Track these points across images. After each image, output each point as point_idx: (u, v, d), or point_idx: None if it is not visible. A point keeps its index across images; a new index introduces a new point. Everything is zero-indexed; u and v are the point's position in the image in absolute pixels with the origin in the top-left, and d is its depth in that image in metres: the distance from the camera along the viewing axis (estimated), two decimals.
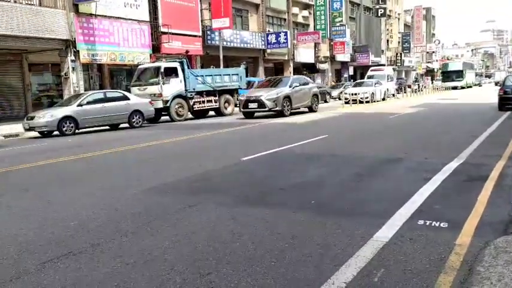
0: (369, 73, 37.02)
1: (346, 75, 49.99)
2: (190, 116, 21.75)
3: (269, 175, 6.92)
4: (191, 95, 20.90)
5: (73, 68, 22.17)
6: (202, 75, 21.84)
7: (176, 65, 20.67)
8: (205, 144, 11.55)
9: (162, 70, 19.87)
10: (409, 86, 41.47)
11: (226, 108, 22.86)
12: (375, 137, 11.46)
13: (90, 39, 22.49)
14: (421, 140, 10.49)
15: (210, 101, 21.95)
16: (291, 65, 40.21)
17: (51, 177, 7.60)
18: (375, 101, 28.73)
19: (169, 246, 3.91)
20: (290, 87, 19.98)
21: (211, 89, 21.97)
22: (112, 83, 26.54)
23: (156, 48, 25.84)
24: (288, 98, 19.60)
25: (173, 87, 20.20)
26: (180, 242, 4.01)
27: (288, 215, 4.68)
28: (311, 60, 43.04)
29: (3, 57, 22.38)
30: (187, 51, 26.65)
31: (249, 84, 29.77)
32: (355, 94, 28.37)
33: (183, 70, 20.73)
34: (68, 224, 4.73)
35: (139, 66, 21.52)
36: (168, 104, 19.93)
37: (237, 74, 23.63)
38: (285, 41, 35.63)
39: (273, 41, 36.00)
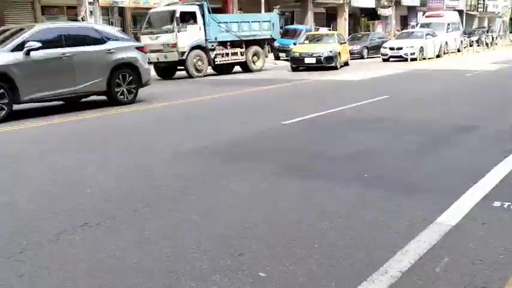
0: (423, 20, 33.96)
1: (413, 22, 48.34)
2: (210, 71, 21.28)
3: (316, 142, 6.92)
4: (212, 45, 20.47)
5: (91, 12, 22.49)
6: (226, 22, 21.08)
7: (194, 8, 19.96)
8: (237, 104, 11.59)
9: (177, 15, 19.26)
10: (477, 40, 37.28)
11: (254, 62, 22.39)
12: (447, 99, 11.20)
13: None
14: (503, 104, 10.14)
15: (235, 54, 21.46)
16: (346, 10, 39.28)
17: (58, 138, 7.85)
18: (424, 59, 25.93)
19: (197, 220, 3.99)
20: (17, 50, 10.01)
21: (237, 39, 21.41)
22: (135, 30, 26.78)
23: None
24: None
25: (191, 35, 19.70)
26: (210, 215, 4.09)
27: (335, 190, 4.67)
28: (371, 4, 41.85)
29: None
30: None
31: (295, 33, 29.30)
32: (398, 49, 25.94)
33: (202, 15, 20.07)
34: (84, 190, 4.90)
35: (151, 11, 21.06)
36: (184, 57, 19.53)
37: (269, 21, 22.89)
38: None
39: None
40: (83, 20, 22.44)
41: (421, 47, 26.13)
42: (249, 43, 21.91)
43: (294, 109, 10.04)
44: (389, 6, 44.22)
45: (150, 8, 25.36)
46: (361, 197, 4.48)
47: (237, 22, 21.65)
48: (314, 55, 21.48)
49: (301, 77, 18.06)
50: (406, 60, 25.26)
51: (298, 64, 21.82)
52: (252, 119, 9.08)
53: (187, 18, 19.73)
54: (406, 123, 8.15)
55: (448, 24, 32.25)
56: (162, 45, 19.36)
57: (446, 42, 29.65)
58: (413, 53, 25.61)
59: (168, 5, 22.10)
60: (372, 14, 43.51)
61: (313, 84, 16.02)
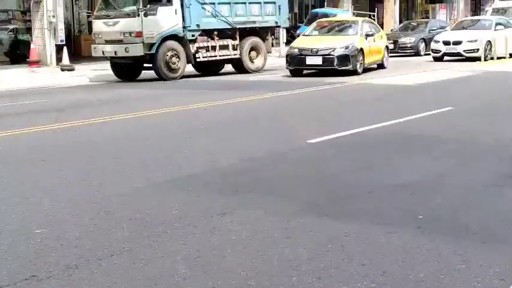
0: (496, 4, 32.83)
1: (490, 6, 48.41)
2: (191, 70, 21.00)
3: (351, 169, 6.91)
4: (193, 35, 19.90)
5: None
6: (214, 3, 20.51)
7: None
8: (244, 115, 11.63)
9: None
10: None
11: (252, 59, 21.83)
12: None
13: None
14: None
15: (226, 47, 20.78)
16: None
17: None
18: (495, 58, 24.54)
19: (183, 276, 3.98)
20: None
21: (229, 27, 21.05)
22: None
23: None
24: None
25: (162, 21, 19.00)
26: (200, 271, 4.07)
27: (379, 236, 4.65)
28: None
29: None
30: None
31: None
32: (455, 43, 24.95)
33: None
34: (32, 231, 4.91)
35: None
36: (153, 50, 18.81)
37: (274, 3, 22.47)
38: None
39: None
40: (36, 3, 22.68)
41: (489, 43, 24.93)
42: (245, 33, 21.43)
43: (321, 123, 10.06)
44: None
45: None
46: (414, 246, 4.44)
47: (229, 3, 21.05)
48: (320, 53, 19.21)
49: (326, 81, 17.94)
50: (466, 59, 24.35)
51: (297, 65, 19.85)
52: (261, 136, 9.07)
53: None
54: (476, 145, 8.15)
55: None
56: (121, 34, 18.67)
57: None
58: (477, 50, 24.64)
59: None
60: None
61: (345, 90, 16.02)
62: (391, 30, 35.89)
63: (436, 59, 25.55)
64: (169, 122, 11.00)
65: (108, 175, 6.82)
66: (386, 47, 22.74)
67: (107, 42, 18.92)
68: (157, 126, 10.42)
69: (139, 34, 18.47)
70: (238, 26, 21.14)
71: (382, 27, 37.28)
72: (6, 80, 19.15)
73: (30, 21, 23.80)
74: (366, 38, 20.42)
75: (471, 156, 7.55)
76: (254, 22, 21.61)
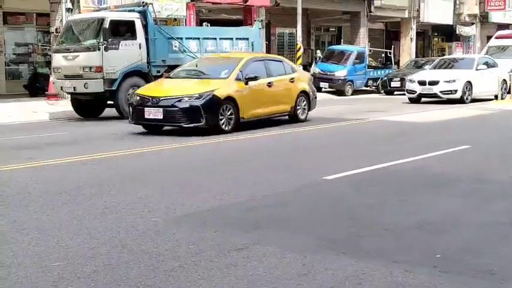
0: (492, 42, 30.86)
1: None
2: None
3: (368, 206, 6.91)
4: (158, 71, 18.89)
5: None
6: (181, 38, 19.86)
7: (132, 16, 18.74)
8: (252, 152, 11.63)
9: (106, 25, 17.68)
10: None
11: None
12: None
13: None
14: None
15: None
16: (413, 26, 39.59)
17: (16, 189, 7.97)
18: (476, 100, 23.38)
19: None
20: None
21: None
22: None
23: None
24: None
25: (125, 56, 18.08)
26: None
27: (396, 275, 4.62)
28: (447, 20, 42.18)
29: None
30: (245, 1, 26.81)
31: (342, 56, 29.50)
32: (431, 84, 23.13)
33: (144, 27, 18.77)
34: (49, 264, 4.94)
35: (70, 18, 19.74)
36: (114, 87, 17.78)
37: (247, 39, 21.72)
38: None
39: None
40: (57, 32, 23.01)
41: (468, 83, 23.36)
42: None
43: (342, 160, 10.07)
44: (473, 24, 44.48)
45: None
46: (431, 285, 4.41)
47: (198, 39, 20.37)
48: (162, 103, 13.67)
49: (362, 117, 18.03)
50: (447, 102, 23.02)
51: (137, 120, 14.26)
52: (275, 172, 9.08)
53: (123, 30, 18.50)
54: (494, 184, 8.11)
55: None
56: (81, 69, 17.69)
57: None
58: (455, 91, 23.05)
59: (97, 10, 20.70)
60: (448, 33, 43.76)
61: (375, 126, 16.03)
62: (399, 67, 35.95)
63: (412, 101, 23.81)
64: (184, 156, 11.08)
65: (126, 208, 6.84)
66: (305, 92, 16.51)
67: (66, 77, 18.18)
68: (173, 161, 10.48)
69: (99, 69, 17.57)
70: None
71: (398, 64, 37.56)
72: (23, 113, 19.29)
73: (49, 54, 24.07)
74: (247, 83, 14.59)
75: (488, 195, 7.52)
76: None
